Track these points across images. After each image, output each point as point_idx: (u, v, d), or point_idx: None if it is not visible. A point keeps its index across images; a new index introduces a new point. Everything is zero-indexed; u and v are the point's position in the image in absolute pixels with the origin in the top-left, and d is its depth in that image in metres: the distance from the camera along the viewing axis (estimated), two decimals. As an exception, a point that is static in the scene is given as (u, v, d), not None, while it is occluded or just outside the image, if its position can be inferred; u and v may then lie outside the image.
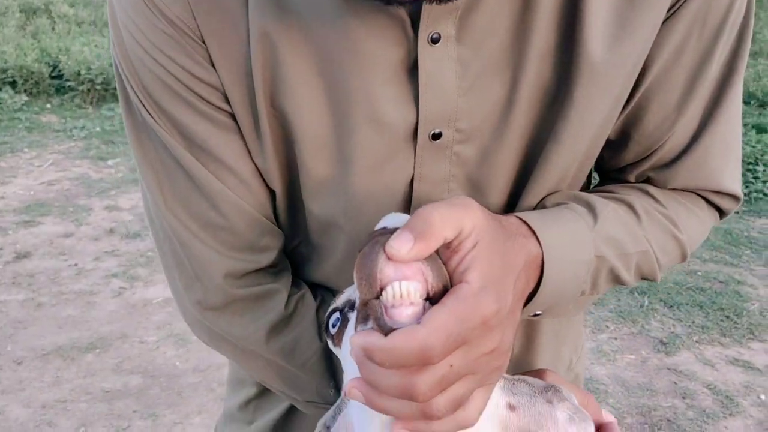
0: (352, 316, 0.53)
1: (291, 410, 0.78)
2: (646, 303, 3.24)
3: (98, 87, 6.89)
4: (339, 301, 0.57)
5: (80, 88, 6.91)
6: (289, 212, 0.68)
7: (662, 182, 0.67)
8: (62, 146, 5.66)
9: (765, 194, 4.76)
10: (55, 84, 7.26)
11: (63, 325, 2.99)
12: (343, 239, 0.65)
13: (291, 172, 0.64)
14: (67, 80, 7.04)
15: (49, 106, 6.89)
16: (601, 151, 0.66)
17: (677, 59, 0.60)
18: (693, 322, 3.11)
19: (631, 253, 0.62)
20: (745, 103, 6.29)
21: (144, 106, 0.61)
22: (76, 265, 3.55)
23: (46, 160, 5.27)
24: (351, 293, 0.57)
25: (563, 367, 0.81)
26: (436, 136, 0.60)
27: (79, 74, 6.83)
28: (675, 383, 2.68)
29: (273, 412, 0.81)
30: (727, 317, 3.15)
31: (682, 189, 0.68)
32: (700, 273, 3.60)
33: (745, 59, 0.63)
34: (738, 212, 4.50)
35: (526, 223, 0.55)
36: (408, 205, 0.63)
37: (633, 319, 3.11)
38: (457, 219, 0.45)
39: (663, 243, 0.65)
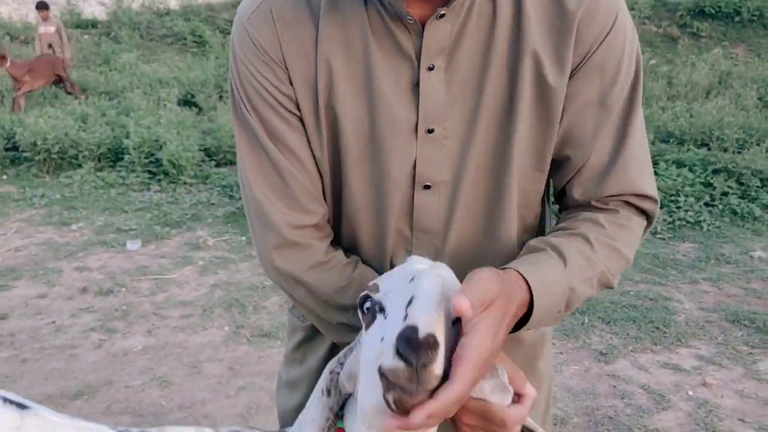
0: (379, 324, 0.76)
1: (332, 349, 1.07)
2: (586, 321, 3.61)
3: (54, 156, 7.06)
4: (376, 292, 0.79)
5: (36, 158, 7.06)
6: (332, 194, 1.01)
7: (599, 192, 0.97)
8: (23, 215, 5.79)
9: (687, 222, 5.26)
10: (10, 156, 7.40)
11: (49, 376, 3.15)
12: (370, 214, 0.99)
13: (336, 163, 0.98)
14: (23, 151, 7.19)
15: (5, 176, 7.01)
16: (551, 175, 1.00)
17: (586, 98, 0.94)
18: (628, 334, 3.48)
19: (591, 276, 0.93)
20: (664, 141, 6.88)
21: (247, 109, 0.96)
22: (53, 322, 3.72)
23: (9, 228, 5.40)
24: (385, 288, 0.79)
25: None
26: (430, 131, 0.94)
27: (35, 145, 6.99)
28: (614, 387, 3.02)
29: (319, 351, 1.10)
30: (657, 328, 3.54)
31: (614, 195, 0.97)
32: (632, 292, 4.00)
33: (640, 95, 0.96)
34: (664, 239, 4.98)
35: (522, 276, 0.84)
36: (413, 180, 0.96)
37: (575, 336, 3.46)
38: (487, 292, 0.75)
39: (611, 259, 0.94)
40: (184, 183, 6.56)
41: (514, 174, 0.96)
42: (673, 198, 5.48)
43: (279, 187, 0.97)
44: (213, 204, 6.01)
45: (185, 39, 13.35)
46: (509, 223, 0.99)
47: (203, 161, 7.00)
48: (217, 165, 7.15)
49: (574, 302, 0.92)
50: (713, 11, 12.43)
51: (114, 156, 7.20)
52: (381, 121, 0.94)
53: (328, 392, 0.87)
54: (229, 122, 7.64)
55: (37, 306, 3.95)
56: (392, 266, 0.97)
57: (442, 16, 0.89)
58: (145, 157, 6.88)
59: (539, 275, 0.86)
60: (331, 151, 0.98)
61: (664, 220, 5.22)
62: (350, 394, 0.87)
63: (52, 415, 1.05)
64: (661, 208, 5.18)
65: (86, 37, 13.79)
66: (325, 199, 1.02)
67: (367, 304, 0.81)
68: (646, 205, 0.99)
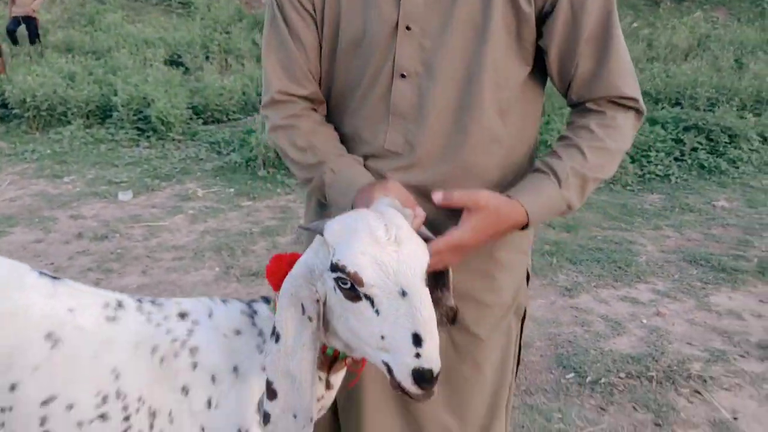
0: (370, 313, 0.97)
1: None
2: (554, 262, 3.86)
3: (44, 113, 7.16)
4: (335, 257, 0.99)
5: (26, 115, 7.16)
6: (326, 79, 1.29)
7: (589, 95, 1.22)
8: (16, 168, 5.94)
9: (656, 175, 5.51)
10: (0, 113, 7.50)
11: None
12: (355, 97, 1.26)
13: (333, 51, 1.26)
14: (12, 108, 7.29)
15: (-4, 133, 7.12)
16: (555, 84, 1.26)
17: (566, 17, 1.16)
18: (592, 272, 3.74)
19: (584, 184, 1.20)
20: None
21: (277, 6, 1.26)
22: (52, 264, 3.92)
23: (3, 180, 5.55)
24: (369, 278, 0.96)
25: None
26: (408, 28, 1.18)
27: (24, 102, 7.10)
28: (576, 317, 3.28)
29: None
30: (620, 267, 3.80)
31: (601, 97, 1.21)
32: (599, 237, 4.26)
33: (616, 16, 1.18)
34: (633, 190, 5.24)
35: (519, 203, 1.14)
36: (392, 70, 1.20)
37: (543, 274, 3.71)
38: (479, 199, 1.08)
39: (603, 159, 1.21)
40: (173, 139, 6.71)
41: (484, 81, 1.19)
42: (645, 153, 5.72)
43: (283, 62, 1.27)
44: (201, 159, 6.18)
45: (170, 0, 13.30)
46: (478, 122, 1.22)
47: (191, 119, 7.14)
48: (205, 123, 7.30)
49: (574, 203, 1.21)
50: (695, -26, 12.57)
51: (102, 113, 7.32)
52: (371, 19, 1.20)
53: (309, 319, 1.04)
54: (216, 81, 7.78)
55: (34, 249, 4.14)
56: (363, 144, 1.24)
57: None
58: (134, 114, 7.00)
59: (534, 200, 1.16)
60: (330, 42, 1.25)
61: (635, 173, 5.47)
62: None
63: (80, 285, 1.26)
64: (632, 162, 5.49)
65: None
66: (320, 84, 1.29)
67: (347, 285, 0.98)
68: (629, 104, 1.22)
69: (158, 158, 6.21)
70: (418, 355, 0.93)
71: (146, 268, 3.86)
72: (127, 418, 1.15)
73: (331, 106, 1.32)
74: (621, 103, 1.22)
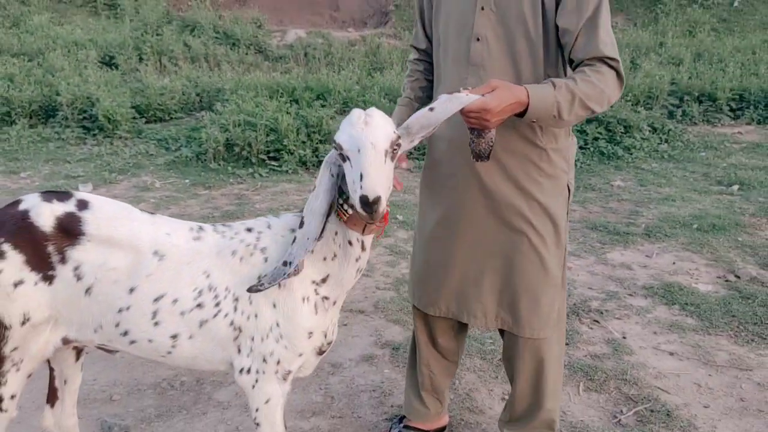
0: (348, 168, 1.51)
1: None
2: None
3: (-14, 114, 7.31)
4: (341, 150, 1.58)
5: (-32, 115, 7.29)
6: (435, 41, 2.05)
7: (585, 55, 1.78)
8: (-33, 166, 6.13)
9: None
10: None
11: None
12: (449, 54, 1.99)
13: (437, 24, 2.02)
14: (-47, 109, 7.38)
15: (-64, 134, 7.20)
16: (563, 52, 1.87)
17: (572, 5, 1.80)
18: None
19: (572, 98, 1.74)
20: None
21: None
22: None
23: (-42, 178, 5.76)
24: (345, 146, 1.54)
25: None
26: (482, 8, 1.86)
27: (-34, 103, 7.23)
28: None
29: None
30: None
31: (593, 57, 1.79)
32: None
33: (605, 6, 1.80)
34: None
35: (526, 88, 1.72)
36: (471, 34, 1.91)
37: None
38: (492, 82, 1.69)
39: (589, 88, 1.75)
40: (120, 137, 7.03)
41: (522, 45, 1.88)
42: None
43: (415, 32, 2.22)
44: (152, 155, 6.55)
45: (96, 1, 13.31)
46: (529, 73, 1.88)
47: (134, 118, 7.46)
48: (148, 122, 7.63)
49: (564, 113, 1.73)
50: (597, -17, 13.72)
51: (45, 113, 7.54)
52: (464, 1, 1.92)
53: (332, 175, 1.61)
54: (156, 82, 8.10)
55: (10, 237, 4.46)
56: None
57: None
58: (79, 114, 7.27)
59: (535, 89, 1.71)
60: (436, 19, 2.03)
61: (547, 160, 6.25)
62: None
63: (169, 218, 1.79)
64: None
65: (-12, -2, 13.50)
66: (431, 42, 2.13)
67: (339, 151, 1.55)
68: (612, 63, 1.80)
69: (109, 154, 6.54)
70: (362, 187, 1.44)
71: None
72: (217, 305, 1.68)
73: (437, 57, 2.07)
74: (605, 61, 1.81)
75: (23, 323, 1.64)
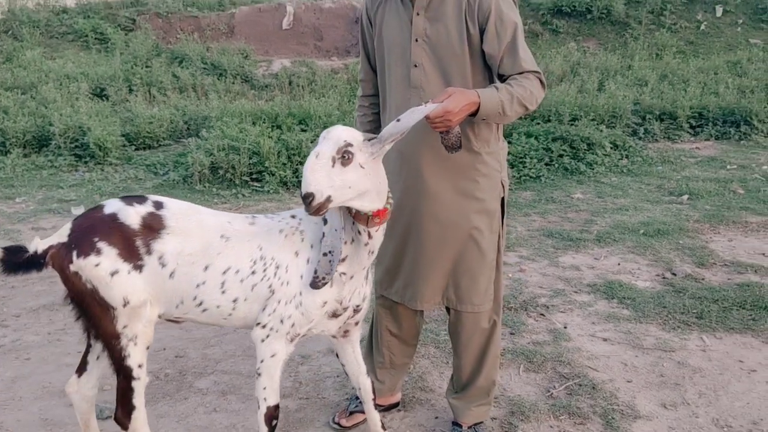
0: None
1: None
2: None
3: (-18, 144, 7.68)
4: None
5: (-35, 146, 7.65)
6: (379, 70, 2.44)
7: (512, 72, 2.22)
8: (-34, 193, 6.48)
9: (530, 177, 6.72)
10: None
11: (38, 295, 4.10)
12: (393, 79, 2.38)
13: (381, 55, 2.44)
14: (-49, 140, 7.75)
15: (-65, 164, 7.55)
16: (491, 70, 2.30)
17: (493, 34, 2.21)
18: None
19: (511, 97, 2.16)
20: (519, 118, 8.37)
21: (360, 30, 2.54)
22: (28, 263, 4.60)
23: (-43, 203, 6.10)
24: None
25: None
26: (416, 40, 2.26)
27: (-37, 134, 7.59)
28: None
29: None
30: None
31: (518, 72, 2.21)
32: (481, 223, 5.35)
33: (520, 31, 2.24)
34: (512, 189, 6.40)
35: (476, 92, 2.13)
36: (410, 61, 2.33)
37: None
38: (448, 90, 2.09)
39: (522, 90, 2.17)
40: (111, 164, 7.40)
41: (455, 67, 2.28)
42: (521, 160, 6.93)
43: (360, 69, 2.62)
44: (140, 179, 6.92)
45: (87, 36, 13.76)
46: (457, 86, 2.24)
47: (124, 146, 7.84)
48: (137, 149, 8.01)
49: (507, 111, 2.14)
50: (569, 10, 14.26)
51: (38, 142, 7.91)
52: (401, 35, 2.33)
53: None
54: (145, 111, 8.51)
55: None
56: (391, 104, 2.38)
57: None
58: (71, 143, 7.65)
59: (483, 92, 2.12)
60: (379, 50, 2.43)
61: (514, 176, 6.66)
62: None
63: (226, 212, 2.18)
64: (511, 167, 6.70)
65: (-19, 35, 13.93)
66: (375, 72, 2.47)
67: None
68: (533, 74, 2.22)
69: (100, 180, 6.90)
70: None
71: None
72: (264, 271, 2.08)
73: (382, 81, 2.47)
74: (528, 73, 2.23)
75: (125, 305, 2.02)
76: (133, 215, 2.05)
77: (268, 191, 6.38)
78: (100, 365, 2.29)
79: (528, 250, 4.76)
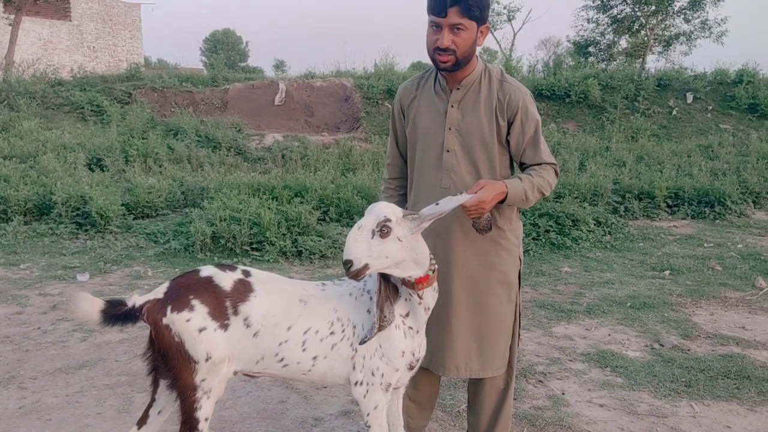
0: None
1: None
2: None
3: (-17, 211, 7.84)
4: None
5: (-34, 213, 7.80)
6: (410, 155, 2.72)
7: (531, 162, 2.54)
8: (-31, 259, 6.60)
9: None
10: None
11: (52, 359, 4.21)
12: (425, 163, 2.66)
13: (414, 141, 2.69)
14: (-48, 207, 7.89)
15: (-65, 230, 7.66)
16: (513, 158, 2.62)
17: (519, 128, 2.54)
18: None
19: (532, 187, 2.48)
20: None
21: (392, 118, 2.80)
22: (39, 328, 4.73)
23: (-39, 269, 6.21)
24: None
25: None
26: (450, 129, 2.56)
27: (-34, 201, 7.75)
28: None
29: None
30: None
31: (537, 163, 2.54)
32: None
33: (540, 128, 2.58)
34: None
35: (504, 183, 2.44)
36: (442, 148, 2.59)
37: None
38: (481, 182, 2.39)
39: (541, 180, 2.50)
40: (111, 232, 7.58)
41: (482, 157, 2.55)
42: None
43: (389, 152, 2.84)
44: (141, 247, 7.10)
45: (83, 108, 14.14)
46: (487, 174, 2.55)
47: (124, 215, 8.05)
48: (136, 218, 8.22)
49: (530, 197, 2.46)
50: (549, 93, 15.07)
51: (39, 210, 8.09)
52: (434, 124, 2.58)
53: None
54: (144, 182, 8.75)
55: (18, 319, 4.93)
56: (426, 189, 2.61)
57: (458, 88, 2.54)
58: (72, 211, 7.84)
59: (510, 182, 2.42)
60: (412, 137, 2.64)
61: (503, 250, 6.94)
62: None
63: (301, 280, 2.40)
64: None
65: (-23, 104, 14.22)
66: (405, 158, 2.71)
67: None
68: (550, 165, 2.54)
69: (102, 248, 7.07)
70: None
71: (122, 327, 4.75)
72: (343, 330, 2.29)
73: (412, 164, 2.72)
74: (547, 165, 2.55)
75: (207, 360, 2.21)
76: (226, 279, 2.27)
77: (268, 260, 6.59)
78: (160, 420, 2.44)
79: (523, 321, 4.96)
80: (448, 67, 2.47)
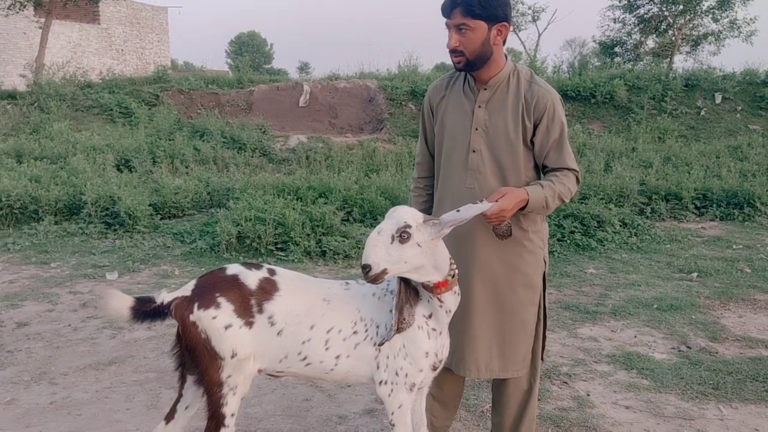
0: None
1: None
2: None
3: (16, 211, 8.01)
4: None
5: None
6: (437, 154, 2.72)
7: (554, 166, 2.54)
8: (2, 258, 6.75)
9: (544, 252, 6.98)
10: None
11: (83, 355, 4.29)
12: (451, 163, 2.66)
13: (441, 141, 2.69)
14: (-13, 206, 8.08)
15: (-30, 229, 7.86)
16: (536, 160, 2.61)
17: (544, 130, 2.54)
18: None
19: (553, 194, 2.49)
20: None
21: (422, 116, 2.78)
22: (69, 325, 4.83)
23: (-6, 267, 6.36)
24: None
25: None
26: (476, 129, 2.57)
27: (-1, 200, 7.95)
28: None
29: None
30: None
31: (560, 167, 2.54)
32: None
33: (566, 132, 2.58)
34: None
35: (526, 190, 2.44)
36: (468, 147, 2.60)
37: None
38: (502, 190, 2.40)
39: (562, 187, 2.50)
40: (139, 231, 7.70)
41: (508, 157, 2.55)
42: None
43: (418, 152, 2.84)
44: (169, 247, 7.20)
45: (112, 110, 14.38)
46: (512, 175, 2.55)
47: (151, 215, 8.16)
48: (163, 218, 8.34)
49: (550, 205, 2.46)
50: (574, 94, 14.95)
51: (68, 210, 8.25)
52: (462, 124, 2.59)
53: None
54: (171, 183, 8.86)
55: (49, 316, 5.03)
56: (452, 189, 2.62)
57: (485, 88, 2.55)
58: (102, 211, 7.98)
59: (531, 190, 2.41)
60: (440, 136, 2.65)
61: (527, 251, 6.92)
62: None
63: (325, 279, 2.44)
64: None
65: (9, 107, 14.54)
66: (433, 157, 2.71)
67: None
68: (572, 171, 2.54)
69: (130, 247, 7.19)
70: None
71: (151, 325, 4.84)
72: (366, 330, 2.32)
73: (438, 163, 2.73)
74: (569, 170, 2.55)
75: (232, 357, 2.25)
76: (252, 277, 2.30)
77: (293, 260, 6.64)
78: (186, 415, 2.48)
79: (548, 322, 4.95)
80: (461, 67, 2.51)
